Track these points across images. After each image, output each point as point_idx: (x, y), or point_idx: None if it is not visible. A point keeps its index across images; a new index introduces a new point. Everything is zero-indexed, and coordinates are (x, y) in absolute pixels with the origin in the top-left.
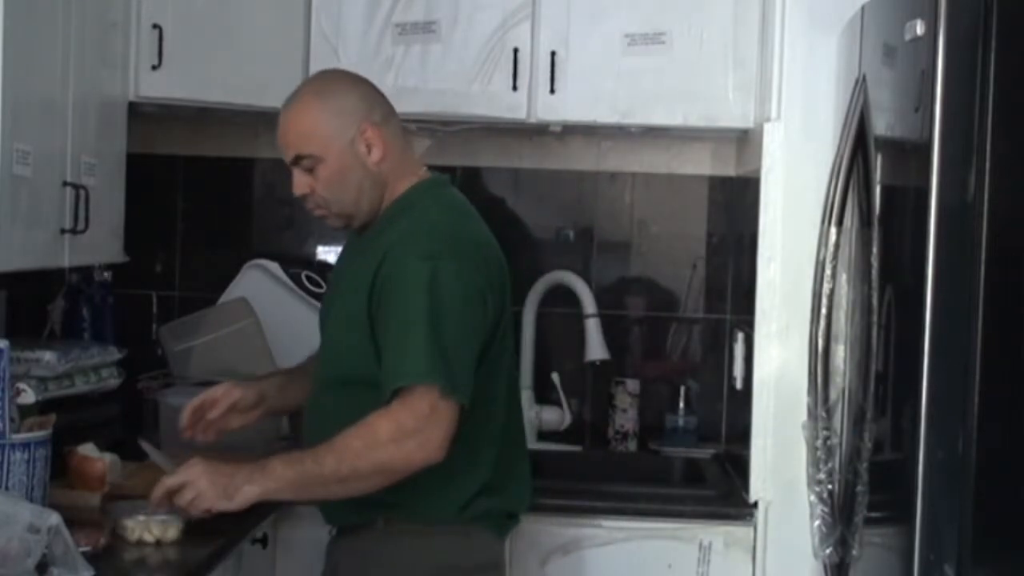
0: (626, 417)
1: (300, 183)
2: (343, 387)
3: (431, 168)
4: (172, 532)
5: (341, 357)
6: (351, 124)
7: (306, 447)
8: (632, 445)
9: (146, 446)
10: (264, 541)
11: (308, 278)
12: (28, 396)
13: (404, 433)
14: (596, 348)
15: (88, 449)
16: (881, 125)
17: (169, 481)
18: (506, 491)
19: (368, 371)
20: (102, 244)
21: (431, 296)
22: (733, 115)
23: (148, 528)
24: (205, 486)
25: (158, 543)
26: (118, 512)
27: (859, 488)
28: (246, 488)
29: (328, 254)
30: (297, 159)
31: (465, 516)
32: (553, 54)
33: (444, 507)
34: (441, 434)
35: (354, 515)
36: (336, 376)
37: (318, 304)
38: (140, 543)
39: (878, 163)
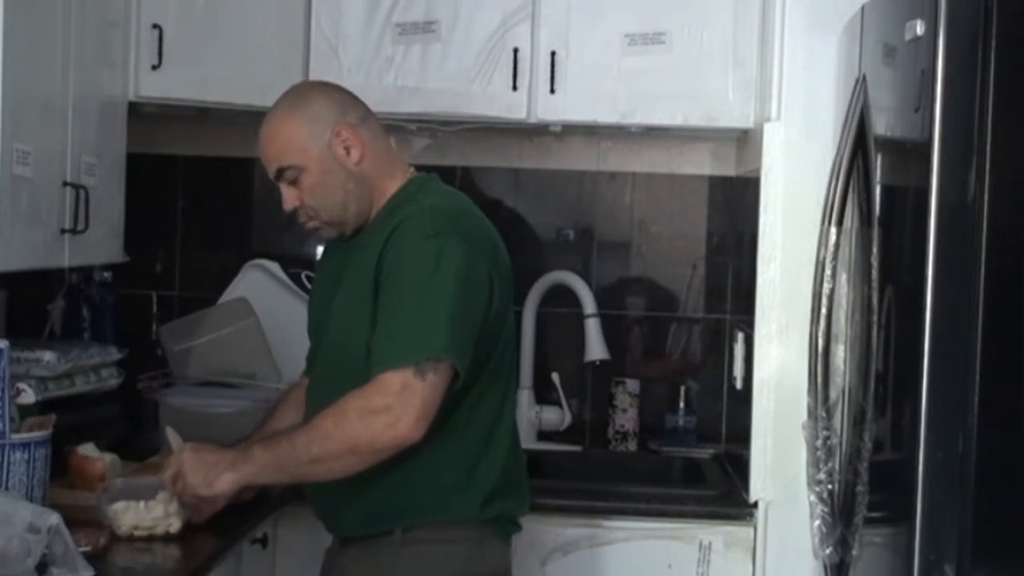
0: (626, 417)
1: (288, 197)
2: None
3: (431, 168)
4: (147, 521)
5: (352, 357)
6: (325, 128)
7: None
8: (632, 445)
9: (169, 430)
10: (264, 541)
11: (308, 278)
12: (28, 396)
13: (371, 411)
14: (596, 348)
15: (88, 449)
16: (881, 125)
17: (163, 474)
18: (512, 495)
19: None
20: (102, 244)
21: (433, 271)
22: (733, 115)
23: (116, 517)
24: (187, 473)
25: (132, 537)
26: (106, 499)
27: (859, 488)
28: (225, 475)
29: None
30: (280, 173)
31: (484, 515)
32: (553, 54)
33: (466, 504)
34: (413, 413)
35: (369, 527)
36: (350, 377)
37: None
38: (130, 539)
39: (878, 163)
